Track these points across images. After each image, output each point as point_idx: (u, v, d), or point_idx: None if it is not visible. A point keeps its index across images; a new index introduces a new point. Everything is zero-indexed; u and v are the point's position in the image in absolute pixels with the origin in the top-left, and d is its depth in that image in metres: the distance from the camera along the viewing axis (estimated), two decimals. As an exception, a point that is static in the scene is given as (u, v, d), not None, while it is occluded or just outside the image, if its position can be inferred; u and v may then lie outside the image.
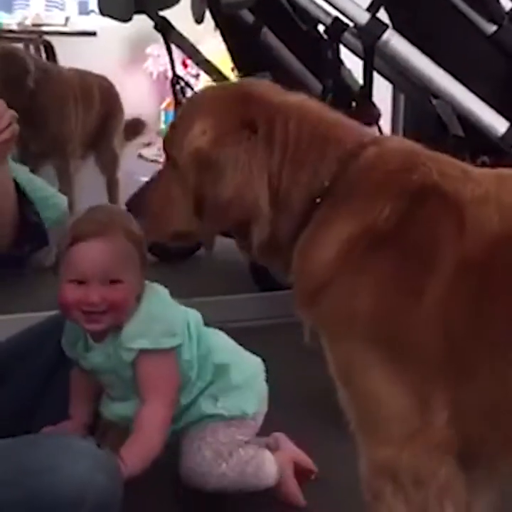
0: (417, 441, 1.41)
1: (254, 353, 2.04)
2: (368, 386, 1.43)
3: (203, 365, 1.93)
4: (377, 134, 2.62)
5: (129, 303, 1.82)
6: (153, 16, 3.82)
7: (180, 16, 3.85)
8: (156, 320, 1.85)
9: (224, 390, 1.96)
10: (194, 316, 1.95)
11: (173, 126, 1.60)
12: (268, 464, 2.00)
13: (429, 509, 1.42)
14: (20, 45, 5.64)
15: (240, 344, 2.03)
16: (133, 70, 6.86)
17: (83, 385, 1.95)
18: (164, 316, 1.86)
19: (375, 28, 2.57)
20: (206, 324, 1.97)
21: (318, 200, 1.47)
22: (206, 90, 1.69)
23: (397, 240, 1.41)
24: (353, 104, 3.39)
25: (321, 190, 1.47)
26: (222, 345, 2.00)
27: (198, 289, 3.28)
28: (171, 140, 1.57)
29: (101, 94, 4.59)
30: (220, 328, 2.03)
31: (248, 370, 2.01)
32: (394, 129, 3.72)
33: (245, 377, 1.98)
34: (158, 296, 1.89)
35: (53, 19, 6.76)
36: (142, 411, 1.83)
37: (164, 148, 1.59)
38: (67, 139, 4.32)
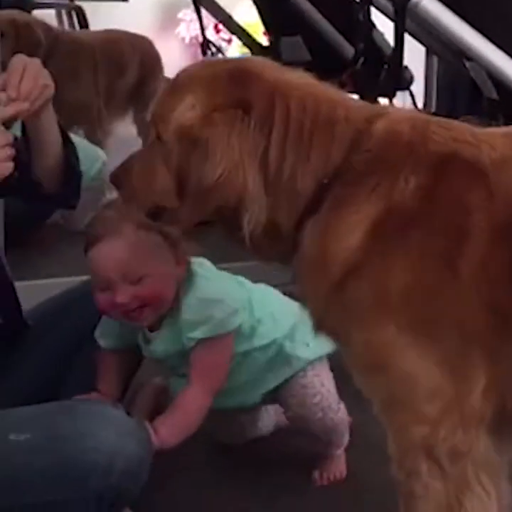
0: (454, 416, 1.39)
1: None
2: (404, 367, 1.39)
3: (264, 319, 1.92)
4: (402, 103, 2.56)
5: (163, 293, 1.79)
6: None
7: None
8: (214, 303, 1.82)
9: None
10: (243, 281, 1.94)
11: (161, 98, 1.50)
12: (346, 434, 2.04)
13: (466, 483, 1.41)
14: (52, 11, 5.63)
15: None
16: (165, 35, 6.82)
17: (114, 365, 1.93)
18: (221, 296, 1.83)
19: (405, -12, 2.51)
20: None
21: (325, 181, 1.40)
22: (201, 63, 1.60)
23: (425, 214, 1.37)
24: (385, 67, 3.35)
25: (332, 171, 1.40)
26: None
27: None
28: (157, 112, 1.48)
29: (137, 54, 4.55)
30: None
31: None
32: (427, 92, 3.66)
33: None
34: (207, 275, 1.86)
35: (86, -16, 6.72)
36: (186, 390, 1.82)
37: (151, 120, 1.49)
38: (87, 107, 4.27)
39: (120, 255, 1.75)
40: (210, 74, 1.44)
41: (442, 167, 1.37)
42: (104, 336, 1.90)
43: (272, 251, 1.48)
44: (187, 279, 1.83)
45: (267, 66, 1.46)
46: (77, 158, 1.88)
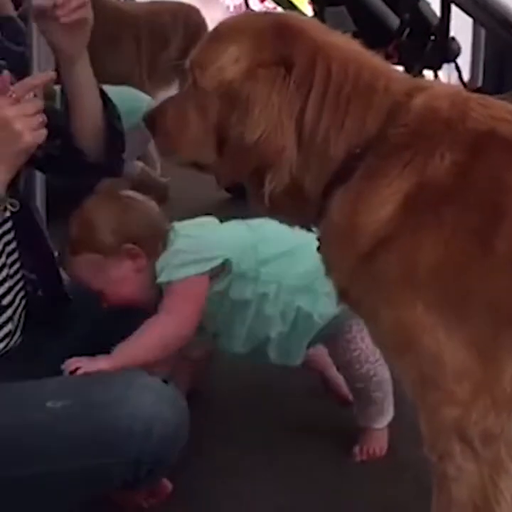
0: (486, 397, 1.37)
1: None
2: (433, 346, 1.37)
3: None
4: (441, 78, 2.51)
5: (122, 294, 1.88)
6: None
7: None
8: (173, 253, 1.86)
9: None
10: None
11: (202, 45, 1.47)
12: (390, 405, 2.04)
13: (500, 465, 1.39)
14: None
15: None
16: (209, 3, 6.77)
17: None
18: (186, 247, 1.87)
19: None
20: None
21: (358, 150, 1.38)
22: (246, 15, 1.56)
23: (460, 191, 1.35)
24: (431, 38, 3.30)
25: (365, 141, 1.38)
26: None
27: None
28: (197, 58, 1.45)
29: (181, 26, 4.53)
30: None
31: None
32: (474, 65, 3.59)
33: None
34: (189, 233, 1.90)
35: (130, -47, 6.68)
36: (152, 317, 1.84)
37: (190, 66, 1.46)
38: (128, 77, 4.24)
39: (79, 275, 1.90)
40: (255, 27, 1.42)
41: (479, 144, 1.35)
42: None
43: (293, 213, 1.47)
44: (169, 243, 1.88)
45: (313, 25, 1.44)
46: (119, 118, 1.87)
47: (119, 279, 1.88)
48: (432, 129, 1.37)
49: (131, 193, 1.98)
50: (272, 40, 1.39)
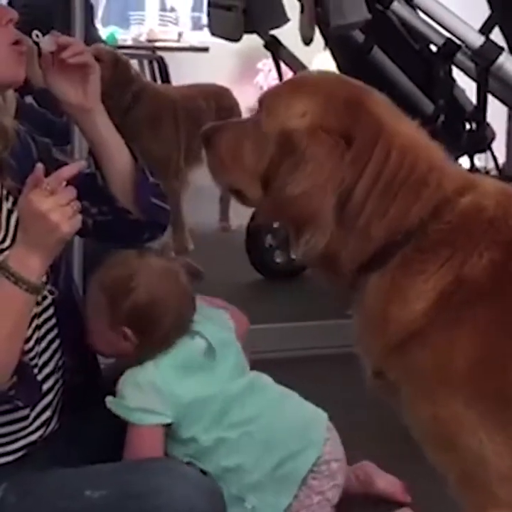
0: None
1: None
2: (474, 446, 1.36)
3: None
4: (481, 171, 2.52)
5: (97, 345, 1.87)
6: (263, 35, 3.81)
7: (291, 34, 3.83)
8: (135, 388, 1.79)
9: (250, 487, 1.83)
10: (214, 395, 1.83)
11: (279, 87, 1.54)
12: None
13: None
14: (134, 61, 5.75)
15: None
16: (244, 84, 6.88)
17: None
18: (150, 387, 1.78)
19: (489, 51, 2.49)
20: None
21: (399, 237, 1.40)
22: (328, 74, 1.59)
23: (496, 290, 1.36)
24: (466, 125, 3.32)
25: (406, 231, 1.40)
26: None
27: (301, 310, 3.25)
28: (268, 98, 1.50)
29: (213, 108, 4.59)
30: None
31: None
32: (509, 150, 3.61)
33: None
34: (166, 363, 1.81)
35: (167, 34, 6.85)
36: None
37: (260, 103, 1.50)
38: (166, 159, 4.31)
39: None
40: (331, 90, 1.47)
41: None
42: None
43: (326, 277, 1.49)
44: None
45: (385, 105, 1.47)
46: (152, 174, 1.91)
47: (98, 332, 1.86)
48: (474, 227, 1.39)
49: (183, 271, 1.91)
50: (342, 109, 1.43)
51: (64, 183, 1.60)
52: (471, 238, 1.38)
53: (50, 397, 1.78)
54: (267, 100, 1.50)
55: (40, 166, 1.60)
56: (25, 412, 1.72)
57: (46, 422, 1.78)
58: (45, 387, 1.77)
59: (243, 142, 1.50)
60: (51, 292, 1.71)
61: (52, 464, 1.74)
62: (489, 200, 1.41)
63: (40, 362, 1.75)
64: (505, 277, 1.36)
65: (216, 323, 1.91)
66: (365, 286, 1.43)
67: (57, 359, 1.80)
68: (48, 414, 1.78)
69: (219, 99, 4.66)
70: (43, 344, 1.76)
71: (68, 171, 1.62)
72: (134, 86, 4.23)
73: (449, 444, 1.38)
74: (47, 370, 1.77)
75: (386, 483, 2.15)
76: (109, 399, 1.79)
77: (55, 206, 1.56)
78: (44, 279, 1.66)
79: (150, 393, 1.79)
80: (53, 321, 1.79)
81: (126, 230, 1.89)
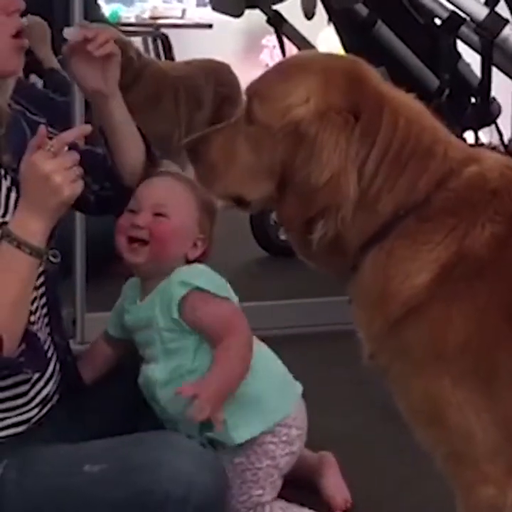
0: None
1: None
2: (462, 423, 1.35)
3: None
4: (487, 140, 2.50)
5: (169, 241, 1.82)
6: (265, 10, 3.79)
7: (295, 9, 3.80)
8: (210, 274, 1.84)
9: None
10: None
11: (267, 78, 1.42)
12: None
13: None
14: (138, 39, 5.71)
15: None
16: (248, 61, 6.84)
17: (101, 351, 1.96)
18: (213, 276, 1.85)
19: (494, 23, 2.46)
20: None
21: (402, 212, 1.36)
22: (317, 54, 1.53)
23: (496, 265, 1.33)
24: (472, 99, 3.29)
25: (411, 204, 1.36)
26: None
27: (306, 287, 3.23)
28: (260, 92, 1.40)
29: (212, 86, 4.59)
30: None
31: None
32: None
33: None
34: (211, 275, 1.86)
35: (171, 12, 6.80)
36: (223, 343, 1.76)
37: (248, 97, 1.41)
38: (168, 138, 4.27)
39: (159, 191, 1.84)
40: (326, 68, 1.40)
41: None
42: (110, 324, 1.96)
43: (330, 262, 1.44)
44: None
45: (378, 77, 1.42)
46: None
47: (182, 231, 1.85)
48: (478, 197, 1.36)
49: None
50: (343, 85, 1.37)
51: (66, 147, 1.58)
52: (475, 208, 1.36)
53: (50, 369, 1.77)
54: (258, 90, 1.41)
55: (43, 128, 1.59)
56: (26, 387, 1.72)
57: (46, 398, 1.78)
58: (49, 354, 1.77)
59: (236, 142, 1.43)
60: (54, 255, 1.70)
61: (53, 440, 1.75)
62: (493, 171, 1.38)
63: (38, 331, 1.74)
64: (504, 252, 1.33)
65: None
66: (364, 263, 1.40)
67: (48, 336, 1.79)
68: (47, 389, 1.77)
69: (218, 75, 4.64)
70: (38, 319, 1.76)
71: (72, 133, 1.61)
72: (134, 65, 4.21)
73: (438, 420, 1.37)
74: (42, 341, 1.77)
75: (333, 484, 2.03)
76: (194, 281, 1.80)
77: (58, 168, 1.55)
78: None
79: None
80: (42, 289, 1.78)
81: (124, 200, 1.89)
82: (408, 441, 1.45)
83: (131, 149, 1.86)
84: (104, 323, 2.00)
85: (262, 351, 1.90)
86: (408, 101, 1.42)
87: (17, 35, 1.68)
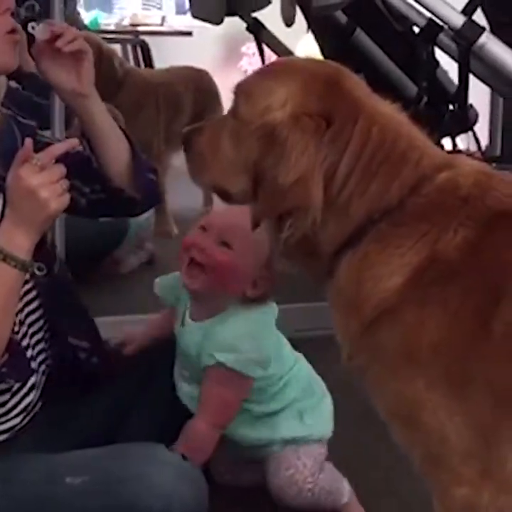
0: (495, 478, 1.35)
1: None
2: (436, 426, 1.36)
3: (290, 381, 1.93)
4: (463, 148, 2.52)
5: (228, 274, 1.81)
6: (245, 17, 3.79)
7: (275, 17, 3.81)
8: (252, 340, 1.82)
9: (309, 409, 1.95)
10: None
11: (255, 76, 1.48)
12: (345, 484, 1.99)
13: None
14: (117, 46, 5.72)
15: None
16: (228, 68, 6.85)
17: (163, 321, 2.00)
18: (261, 341, 1.84)
19: (470, 31, 2.48)
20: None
21: (376, 216, 1.39)
22: (301, 60, 1.56)
23: (466, 270, 1.35)
24: (450, 106, 3.31)
25: (384, 208, 1.39)
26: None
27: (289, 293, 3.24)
28: (246, 89, 1.45)
29: (191, 93, 4.61)
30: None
31: (320, 390, 2.01)
32: (492, 132, 3.60)
33: (321, 398, 1.99)
34: (261, 316, 1.86)
35: (150, 19, 6.80)
36: (191, 422, 1.84)
37: (236, 93, 1.46)
38: (148, 144, 4.30)
39: (234, 218, 1.79)
40: (309, 73, 1.44)
41: (493, 223, 1.35)
42: (160, 286, 1.98)
43: (306, 265, 1.47)
44: (247, 309, 1.84)
45: (360, 85, 1.46)
46: (153, 170, 1.94)
47: (240, 268, 1.83)
48: (450, 203, 1.38)
49: None
50: (321, 90, 1.41)
51: (54, 160, 1.59)
52: (447, 214, 1.38)
53: (33, 379, 1.77)
54: (244, 88, 1.46)
55: (29, 141, 1.59)
56: (6, 397, 1.72)
57: (29, 407, 1.78)
58: (33, 365, 1.77)
59: (221, 135, 1.47)
60: (40, 269, 1.71)
61: (35, 448, 1.74)
62: (467, 177, 1.40)
63: (24, 344, 1.74)
64: (475, 257, 1.35)
65: None
66: (338, 267, 1.42)
67: (38, 343, 1.79)
68: (30, 398, 1.77)
69: (197, 81, 4.67)
70: (24, 328, 1.76)
71: (59, 148, 1.62)
72: (118, 74, 4.22)
73: (413, 422, 1.38)
74: (29, 353, 1.76)
75: None
76: (223, 357, 1.80)
77: (45, 182, 1.56)
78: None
79: (261, 343, 1.83)
80: (35, 303, 1.78)
81: (120, 206, 1.91)
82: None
83: (115, 150, 1.86)
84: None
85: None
86: (386, 108, 1.44)
87: (12, 31, 1.69)
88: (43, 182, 1.55)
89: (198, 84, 4.65)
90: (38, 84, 3.27)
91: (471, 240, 1.35)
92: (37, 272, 1.69)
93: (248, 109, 1.43)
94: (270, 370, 1.87)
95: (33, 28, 1.75)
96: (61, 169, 1.59)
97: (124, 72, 4.31)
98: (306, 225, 1.39)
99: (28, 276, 1.66)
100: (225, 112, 1.51)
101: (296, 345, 1.99)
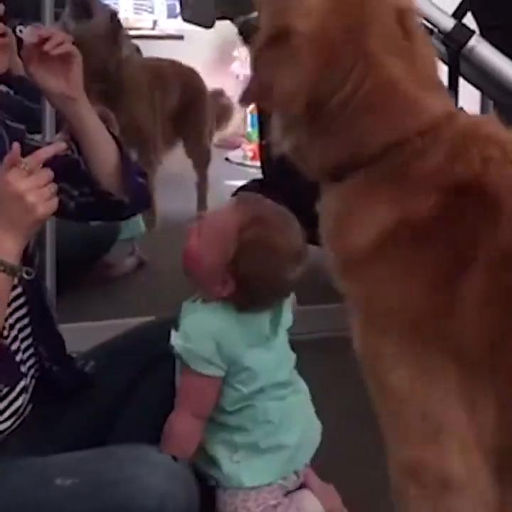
0: (445, 442, 1.36)
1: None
2: (394, 383, 1.38)
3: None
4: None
5: (192, 260, 1.81)
6: (236, 21, 3.79)
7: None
8: (209, 340, 1.80)
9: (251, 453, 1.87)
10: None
11: None
12: None
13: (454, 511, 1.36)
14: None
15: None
16: (220, 72, 6.85)
17: None
18: (225, 344, 1.80)
19: (460, 34, 2.49)
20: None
21: (358, 158, 1.40)
22: None
23: (436, 233, 1.37)
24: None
25: (369, 154, 1.41)
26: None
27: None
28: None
29: (184, 83, 4.64)
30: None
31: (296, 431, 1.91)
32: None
33: (284, 441, 1.89)
34: (236, 320, 1.83)
35: (142, 23, 6.82)
36: (171, 415, 1.82)
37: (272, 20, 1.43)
38: (142, 129, 4.38)
39: (215, 216, 1.83)
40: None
41: (461, 190, 1.37)
42: None
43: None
44: (224, 307, 1.82)
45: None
46: (142, 173, 1.94)
47: (205, 272, 1.82)
48: (427, 169, 1.40)
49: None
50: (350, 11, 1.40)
51: (41, 164, 1.59)
52: (421, 180, 1.39)
53: (22, 383, 1.77)
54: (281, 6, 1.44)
55: (16, 145, 1.59)
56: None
57: (19, 410, 1.77)
58: (23, 369, 1.76)
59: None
60: (28, 273, 1.71)
61: (25, 451, 1.74)
62: (458, 139, 1.41)
63: (14, 348, 1.74)
64: (446, 220, 1.37)
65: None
66: (325, 198, 1.47)
67: (28, 348, 1.79)
68: (20, 402, 1.77)
69: (185, 75, 4.76)
70: (14, 332, 1.75)
71: (46, 151, 1.62)
72: (123, 50, 4.26)
73: (375, 376, 1.42)
74: (19, 357, 1.76)
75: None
76: (173, 339, 1.78)
77: (32, 187, 1.56)
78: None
79: (212, 343, 1.79)
80: (25, 310, 1.78)
81: (109, 210, 1.91)
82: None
83: (104, 153, 1.86)
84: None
85: (294, 400, 1.91)
86: (401, 73, 1.41)
87: (1, 35, 1.71)
88: (30, 187, 1.56)
89: (186, 78, 4.71)
90: (29, 88, 3.28)
91: (443, 206, 1.37)
92: (25, 276, 1.70)
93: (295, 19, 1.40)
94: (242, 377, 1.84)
95: (20, 31, 1.75)
96: (49, 173, 1.59)
97: (127, 52, 4.39)
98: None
99: (16, 280, 1.66)
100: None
101: (292, 347, 1.97)
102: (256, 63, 1.44)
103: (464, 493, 1.36)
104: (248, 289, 1.80)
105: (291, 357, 1.93)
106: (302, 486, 1.95)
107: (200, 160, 4.81)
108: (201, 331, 1.80)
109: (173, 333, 1.81)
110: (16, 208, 1.56)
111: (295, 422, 1.89)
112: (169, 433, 1.80)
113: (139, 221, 3.84)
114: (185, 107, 4.66)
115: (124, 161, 1.88)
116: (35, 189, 1.56)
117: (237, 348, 1.82)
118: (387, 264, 1.38)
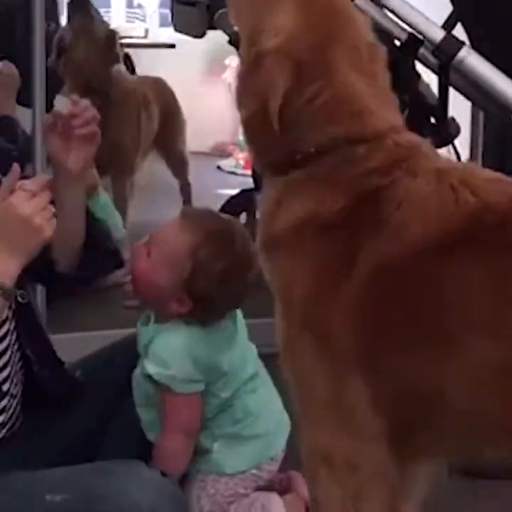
0: (347, 427, 1.44)
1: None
2: (299, 369, 1.48)
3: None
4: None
5: (140, 281, 1.80)
6: (228, 30, 3.79)
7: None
8: (182, 358, 1.80)
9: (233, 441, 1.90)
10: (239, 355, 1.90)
11: None
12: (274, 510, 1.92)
13: (363, 492, 1.45)
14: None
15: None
16: (212, 81, 6.87)
17: None
18: (198, 358, 1.82)
19: (450, 45, 2.49)
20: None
21: (298, 156, 1.54)
22: None
23: (334, 233, 1.50)
24: (432, 119, 3.32)
25: (305, 154, 1.54)
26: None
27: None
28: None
29: (157, 97, 4.66)
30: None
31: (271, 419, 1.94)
32: (473, 145, 3.62)
33: (264, 429, 1.93)
34: (200, 333, 1.83)
35: (134, 31, 6.82)
36: (158, 437, 1.84)
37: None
38: (130, 151, 4.43)
39: (164, 229, 1.82)
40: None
41: (366, 200, 1.51)
42: None
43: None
44: (187, 324, 1.82)
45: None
46: (109, 238, 1.92)
47: (155, 290, 1.81)
48: (348, 177, 1.53)
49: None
50: (314, 38, 1.54)
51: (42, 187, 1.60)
52: (338, 185, 1.53)
53: (4, 402, 1.76)
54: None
55: (16, 167, 1.59)
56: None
57: (4, 424, 1.77)
58: (5, 387, 1.76)
59: None
60: (22, 296, 1.71)
61: (12, 465, 1.73)
62: (389, 153, 1.54)
63: None
64: (345, 224, 1.50)
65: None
66: (264, 186, 1.61)
67: (7, 366, 1.78)
68: (1, 419, 1.76)
69: (160, 88, 4.79)
70: (5, 342, 1.75)
71: (45, 178, 1.62)
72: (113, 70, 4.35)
73: (286, 359, 1.51)
74: (4, 374, 1.76)
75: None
76: (151, 368, 1.79)
77: (37, 209, 1.57)
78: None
79: (189, 362, 1.80)
80: (5, 328, 1.77)
81: (46, 278, 1.92)
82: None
83: (73, 235, 1.84)
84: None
85: (264, 390, 1.94)
86: (362, 87, 1.58)
87: None
88: (35, 209, 1.57)
89: (161, 91, 4.73)
90: (7, 127, 3.29)
91: (347, 212, 1.51)
92: (20, 300, 1.70)
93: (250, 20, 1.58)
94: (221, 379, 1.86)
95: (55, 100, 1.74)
96: (48, 194, 1.60)
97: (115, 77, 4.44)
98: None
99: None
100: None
101: (264, 359, 1.98)
102: (238, 92, 1.62)
103: (371, 475, 1.45)
104: (207, 305, 1.80)
105: (252, 347, 1.95)
106: (275, 489, 1.97)
107: (179, 166, 4.84)
108: (176, 353, 1.80)
109: (144, 360, 1.81)
110: (22, 231, 1.57)
111: (269, 409, 1.92)
112: (163, 456, 1.81)
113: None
114: (163, 122, 4.69)
115: (91, 243, 1.86)
116: (39, 211, 1.56)
117: (212, 357, 1.83)
118: (289, 251, 1.53)
